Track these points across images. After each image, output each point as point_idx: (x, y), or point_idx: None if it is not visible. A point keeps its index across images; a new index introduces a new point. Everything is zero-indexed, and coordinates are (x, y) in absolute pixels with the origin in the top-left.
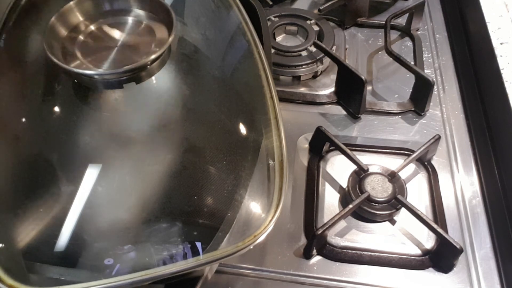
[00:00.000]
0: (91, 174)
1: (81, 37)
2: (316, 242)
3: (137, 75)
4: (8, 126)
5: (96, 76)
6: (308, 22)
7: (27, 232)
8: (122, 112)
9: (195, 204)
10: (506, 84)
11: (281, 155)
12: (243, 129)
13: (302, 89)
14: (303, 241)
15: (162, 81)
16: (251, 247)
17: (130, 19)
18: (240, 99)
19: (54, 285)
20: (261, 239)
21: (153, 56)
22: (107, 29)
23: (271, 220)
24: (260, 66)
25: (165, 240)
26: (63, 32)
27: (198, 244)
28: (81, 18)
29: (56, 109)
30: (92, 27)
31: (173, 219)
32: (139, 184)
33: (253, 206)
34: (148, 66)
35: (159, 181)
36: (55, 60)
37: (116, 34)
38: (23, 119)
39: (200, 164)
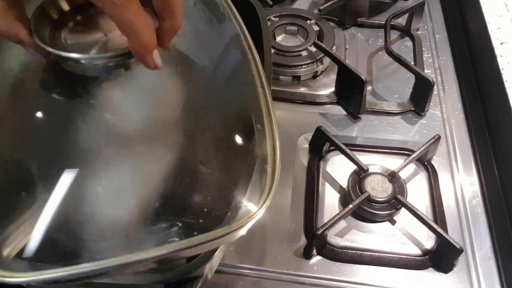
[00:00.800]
0: (73, 168)
1: (70, 24)
2: (316, 242)
3: (126, 62)
4: None
5: (82, 61)
6: (308, 22)
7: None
8: (110, 102)
9: (187, 201)
10: (506, 84)
11: (273, 149)
12: (238, 127)
13: (302, 89)
14: (303, 241)
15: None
16: (236, 235)
17: None
18: (231, 92)
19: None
20: (251, 223)
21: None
22: (97, 16)
23: (261, 207)
24: (253, 66)
25: (162, 238)
26: (52, 18)
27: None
28: (71, 4)
29: (43, 99)
30: (82, 14)
31: (165, 216)
32: (130, 181)
33: (249, 201)
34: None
35: (150, 178)
36: (41, 44)
37: (106, 22)
38: (9, 108)
39: (193, 159)
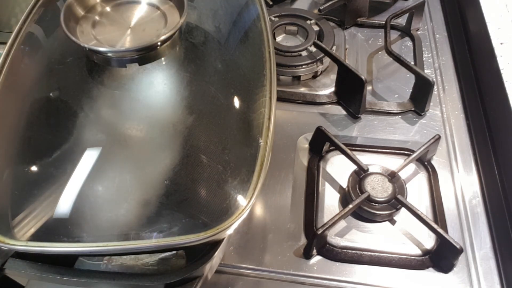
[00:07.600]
0: (91, 151)
1: (96, 18)
2: (316, 242)
3: (146, 55)
4: (23, 100)
5: (109, 54)
6: (308, 22)
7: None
8: (128, 91)
9: (189, 193)
10: (506, 84)
11: (265, 153)
12: (239, 122)
13: (302, 89)
14: (303, 241)
15: (168, 65)
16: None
17: (144, 3)
18: (240, 92)
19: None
20: (235, 225)
21: (161, 38)
22: (121, 10)
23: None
24: (267, 66)
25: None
26: (80, 12)
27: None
28: (97, 0)
29: (68, 84)
30: (107, 9)
31: (167, 205)
32: (130, 178)
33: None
34: (158, 47)
35: (150, 176)
36: (72, 37)
37: (129, 16)
38: (37, 93)
39: (195, 153)
